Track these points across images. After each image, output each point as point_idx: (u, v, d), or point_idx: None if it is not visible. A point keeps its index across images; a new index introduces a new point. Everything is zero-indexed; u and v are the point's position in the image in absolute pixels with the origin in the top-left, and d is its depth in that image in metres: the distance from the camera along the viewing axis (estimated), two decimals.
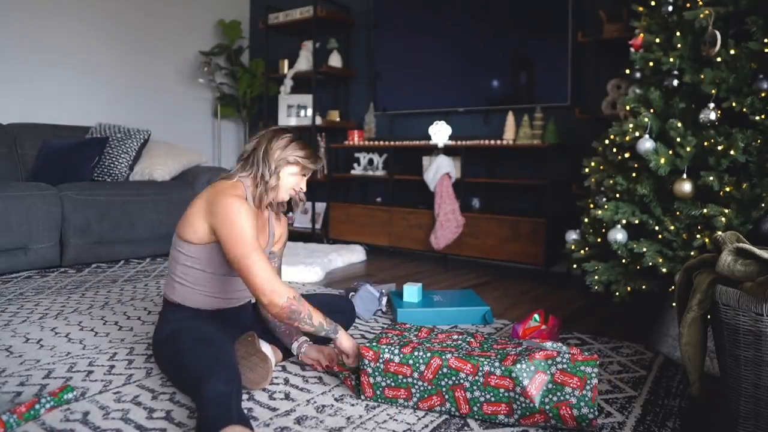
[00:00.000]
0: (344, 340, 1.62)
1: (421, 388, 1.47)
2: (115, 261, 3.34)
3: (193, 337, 1.52)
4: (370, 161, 4.14)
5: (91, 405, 1.47)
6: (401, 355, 1.48)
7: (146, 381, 1.64)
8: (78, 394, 1.52)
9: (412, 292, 2.41)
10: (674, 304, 1.53)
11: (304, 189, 1.73)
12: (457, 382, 1.43)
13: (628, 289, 2.03)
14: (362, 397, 1.54)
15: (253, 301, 1.81)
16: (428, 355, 1.47)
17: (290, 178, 1.68)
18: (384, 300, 2.44)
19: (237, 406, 1.28)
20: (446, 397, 1.45)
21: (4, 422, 1.30)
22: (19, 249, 2.88)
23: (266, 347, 1.70)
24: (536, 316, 1.98)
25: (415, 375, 1.46)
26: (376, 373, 1.50)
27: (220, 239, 1.55)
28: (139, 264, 3.35)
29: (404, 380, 1.48)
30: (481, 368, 1.41)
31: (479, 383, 1.41)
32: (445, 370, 1.44)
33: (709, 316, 1.39)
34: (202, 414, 1.25)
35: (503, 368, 1.39)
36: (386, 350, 1.50)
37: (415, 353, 1.48)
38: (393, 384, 1.49)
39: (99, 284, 2.81)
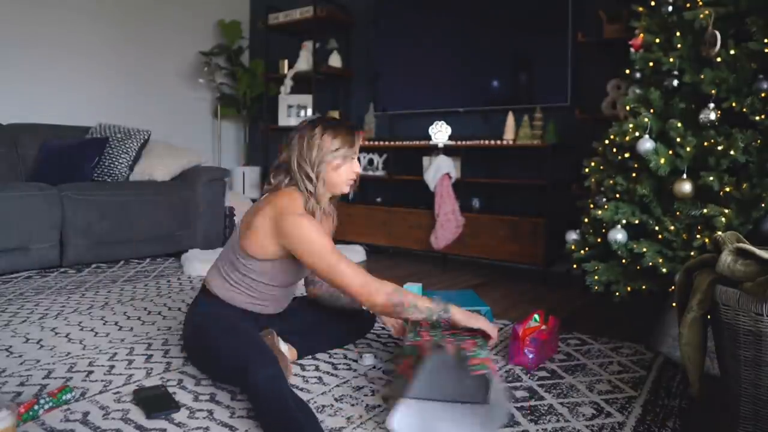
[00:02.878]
0: (458, 315, 1.53)
1: None
2: (115, 261, 3.35)
3: (225, 327, 1.56)
4: (370, 161, 4.14)
5: (91, 405, 1.47)
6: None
7: (146, 381, 1.64)
8: (78, 395, 1.52)
9: (411, 292, 2.40)
10: (674, 304, 1.53)
11: (359, 170, 1.66)
12: None
13: (628, 289, 2.03)
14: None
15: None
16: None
17: (338, 172, 1.60)
18: None
19: (288, 388, 1.35)
20: None
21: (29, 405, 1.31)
22: (19, 249, 2.88)
23: (283, 345, 1.72)
24: (536, 316, 1.98)
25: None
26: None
27: (301, 257, 1.54)
28: (139, 264, 3.35)
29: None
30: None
31: None
32: None
33: (709, 317, 1.39)
34: (258, 402, 1.33)
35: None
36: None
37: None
38: None
39: (99, 284, 2.82)
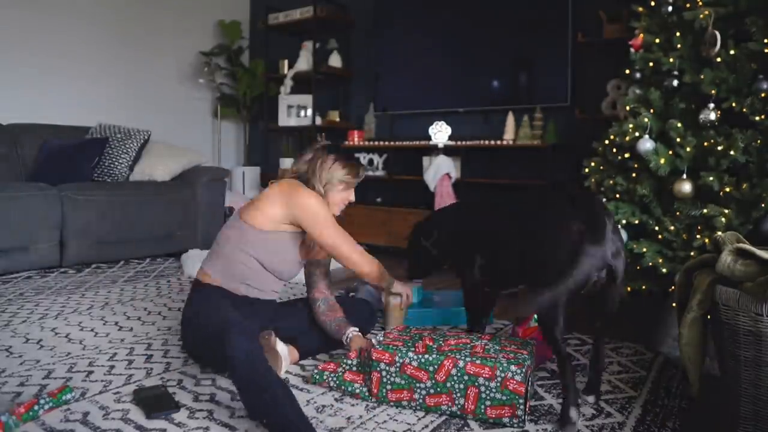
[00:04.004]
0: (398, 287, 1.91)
1: (431, 388, 1.47)
2: (115, 261, 3.34)
3: (212, 304, 1.64)
4: (370, 161, 4.14)
5: (91, 405, 1.47)
6: (419, 359, 1.49)
7: (146, 381, 1.64)
8: (78, 395, 1.52)
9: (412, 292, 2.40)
10: (674, 304, 1.53)
11: (353, 200, 1.90)
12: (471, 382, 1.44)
13: (628, 289, 2.03)
14: (368, 397, 1.54)
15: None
16: (441, 357, 1.48)
17: (339, 194, 1.84)
18: None
19: (266, 362, 1.37)
20: (456, 395, 1.45)
21: (3, 423, 1.30)
22: (19, 249, 2.88)
23: (282, 346, 1.74)
24: (536, 316, 1.97)
25: (428, 383, 1.47)
26: (391, 375, 1.51)
27: (308, 227, 1.74)
28: (139, 264, 3.35)
29: (417, 384, 1.48)
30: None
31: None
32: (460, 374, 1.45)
33: (709, 317, 1.39)
34: (236, 375, 1.35)
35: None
36: (403, 351, 1.52)
37: (428, 356, 1.49)
38: (404, 386, 1.50)
39: (99, 284, 2.81)
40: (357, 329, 1.80)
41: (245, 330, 1.42)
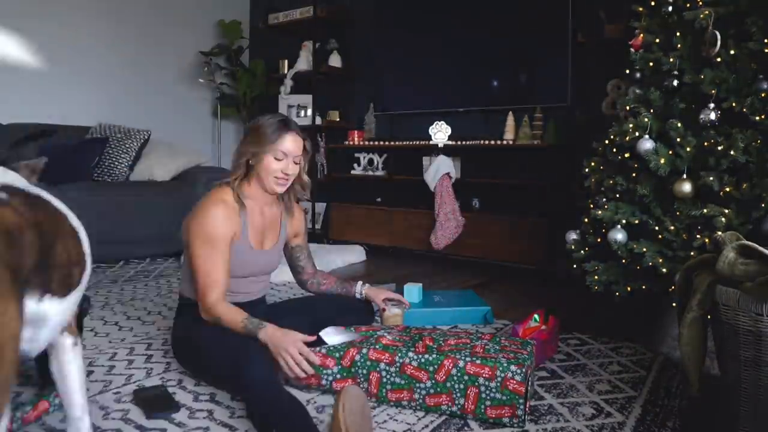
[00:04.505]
0: (271, 331, 1.54)
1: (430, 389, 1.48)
2: (115, 261, 3.34)
3: (212, 331, 1.57)
4: (370, 161, 4.14)
5: (91, 405, 1.47)
6: (419, 359, 1.49)
7: (146, 381, 1.64)
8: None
9: (412, 292, 2.40)
10: (674, 304, 1.53)
11: (290, 173, 1.67)
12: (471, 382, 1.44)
13: (628, 289, 2.03)
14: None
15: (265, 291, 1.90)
16: (441, 357, 1.48)
17: (264, 166, 1.64)
18: None
19: (282, 388, 1.38)
20: (455, 396, 1.45)
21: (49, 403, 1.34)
22: None
23: None
24: (536, 316, 1.98)
25: (428, 383, 1.47)
26: (391, 375, 1.51)
27: (185, 235, 1.64)
28: (139, 264, 3.35)
29: (416, 384, 1.48)
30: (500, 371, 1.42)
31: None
32: (460, 374, 1.45)
33: (709, 317, 1.39)
34: (253, 402, 1.35)
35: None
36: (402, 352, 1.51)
37: (428, 356, 1.49)
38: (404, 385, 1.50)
39: (99, 285, 2.81)
40: (365, 284, 1.91)
41: (258, 358, 1.40)
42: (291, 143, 1.66)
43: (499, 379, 1.41)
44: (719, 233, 1.42)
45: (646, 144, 1.94)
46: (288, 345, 1.49)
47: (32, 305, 0.91)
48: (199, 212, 1.62)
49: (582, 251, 2.19)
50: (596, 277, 2.08)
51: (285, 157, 1.65)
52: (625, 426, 1.45)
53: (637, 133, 2.00)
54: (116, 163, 3.56)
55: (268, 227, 1.76)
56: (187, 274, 1.70)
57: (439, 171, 3.57)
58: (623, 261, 2.02)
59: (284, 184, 1.69)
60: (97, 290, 2.70)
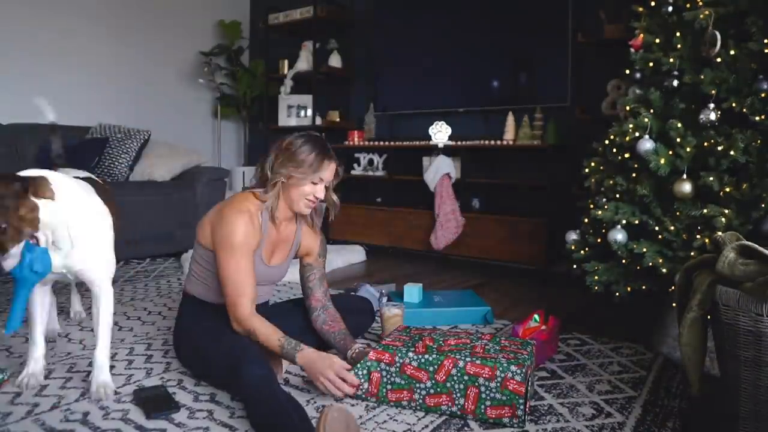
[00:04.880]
0: (308, 355, 1.54)
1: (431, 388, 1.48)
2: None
3: (209, 327, 1.60)
4: (370, 161, 4.14)
5: (91, 405, 1.47)
6: (419, 359, 1.49)
7: (146, 381, 1.64)
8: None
9: (412, 292, 2.41)
10: (674, 304, 1.53)
11: (320, 197, 1.67)
12: (471, 382, 1.44)
13: (628, 289, 2.03)
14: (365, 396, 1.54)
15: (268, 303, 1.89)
16: (441, 357, 1.48)
17: (299, 189, 1.63)
18: (384, 300, 2.44)
19: (279, 387, 1.38)
20: (456, 395, 1.45)
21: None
22: None
23: None
24: (536, 316, 1.98)
25: (428, 383, 1.47)
26: (391, 375, 1.51)
27: (214, 247, 1.62)
28: (139, 264, 3.35)
29: (416, 384, 1.49)
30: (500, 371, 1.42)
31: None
32: (460, 374, 1.45)
33: (709, 317, 1.39)
34: (251, 402, 1.35)
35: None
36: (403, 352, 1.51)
37: (428, 356, 1.49)
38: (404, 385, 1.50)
39: None
40: (362, 346, 1.68)
41: (256, 357, 1.42)
42: (331, 173, 1.67)
43: (499, 379, 1.41)
44: (719, 233, 1.42)
45: (646, 144, 1.94)
46: (324, 368, 1.48)
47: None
48: (225, 220, 1.60)
49: (582, 251, 2.19)
50: (596, 277, 2.08)
51: (321, 182, 1.65)
52: (625, 426, 1.45)
53: (637, 134, 2.00)
54: (116, 163, 3.56)
55: (280, 243, 1.77)
56: (198, 272, 1.71)
57: (439, 171, 3.57)
58: (623, 261, 2.02)
59: (313, 206, 1.70)
60: None
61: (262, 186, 1.67)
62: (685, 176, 1.87)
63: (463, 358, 1.46)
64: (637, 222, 2.00)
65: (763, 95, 1.77)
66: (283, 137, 1.69)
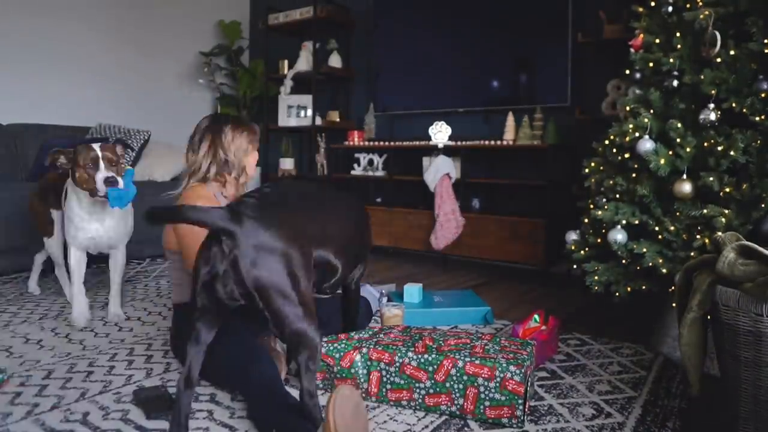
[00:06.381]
0: None
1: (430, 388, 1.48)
2: None
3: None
4: (370, 161, 4.14)
5: (91, 405, 1.47)
6: (418, 359, 1.49)
7: (146, 381, 1.64)
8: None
9: (412, 292, 2.41)
10: (674, 304, 1.53)
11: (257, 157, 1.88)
12: (470, 383, 1.44)
13: (628, 289, 2.03)
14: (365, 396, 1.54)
15: None
16: (440, 357, 1.48)
17: (250, 159, 1.82)
18: (384, 300, 2.44)
19: (284, 388, 1.40)
20: (455, 395, 1.45)
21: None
22: (20, 249, 2.88)
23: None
24: (536, 316, 1.98)
25: (428, 383, 1.47)
26: (391, 375, 1.51)
27: (176, 233, 1.67)
28: (139, 264, 3.35)
29: (416, 384, 1.49)
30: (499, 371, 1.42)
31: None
32: (459, 374, 1.45)
33: (709, 317, 1.39)
34: (255, 402, 1.36)
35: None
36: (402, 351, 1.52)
37: (428, 356, 1.49)
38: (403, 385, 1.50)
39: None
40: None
41: (264, 356, 1.43)
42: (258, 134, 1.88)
43: (498, 379, 1.41)
44: (719, 234, 1.42)
45: (646, 144, 1.94)
46: None
47: None
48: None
49: (582, 251, 2.19)
50: (596, 277, 2.08)
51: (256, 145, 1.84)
52: (625, 426, 1.45)
53: (637, 134, 2.00)
54: None
55: None
56: (177, 276, 1.75)
57: (439, 171, 3.57)
58: (623, 261, 2.02)
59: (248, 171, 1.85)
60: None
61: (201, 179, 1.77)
62: (685, 176, 1.88)
63: (462, 358, 1.46)
64: (637, 222, 2.00)
65: (763, 95, 1.77)
66: (205, 133, 1.79)
